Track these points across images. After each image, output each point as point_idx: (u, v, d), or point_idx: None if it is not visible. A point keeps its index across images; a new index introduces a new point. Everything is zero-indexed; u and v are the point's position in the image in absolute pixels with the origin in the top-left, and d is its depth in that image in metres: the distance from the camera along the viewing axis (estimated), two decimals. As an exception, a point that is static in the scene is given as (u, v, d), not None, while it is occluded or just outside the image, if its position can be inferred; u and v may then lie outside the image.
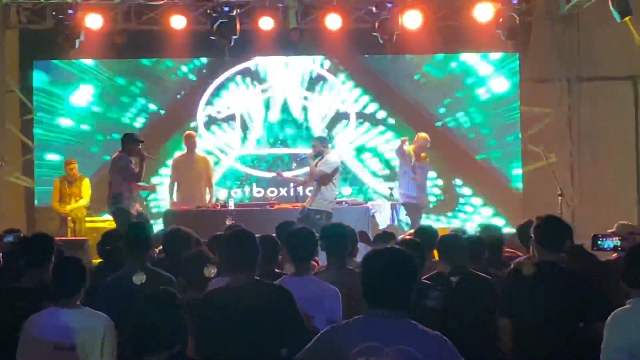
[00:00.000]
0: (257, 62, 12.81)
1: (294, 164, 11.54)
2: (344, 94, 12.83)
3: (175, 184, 11.00)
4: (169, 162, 11.51)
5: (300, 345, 3.38)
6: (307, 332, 3.98)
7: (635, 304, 3.85)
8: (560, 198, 10.48)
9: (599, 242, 5.06)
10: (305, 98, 12.82)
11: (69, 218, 11.17)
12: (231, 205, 10.72)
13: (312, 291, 4.59)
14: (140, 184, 10.01)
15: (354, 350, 3.12)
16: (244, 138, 12.78)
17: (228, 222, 8.34)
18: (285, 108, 12.84)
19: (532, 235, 4.74)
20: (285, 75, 12.83)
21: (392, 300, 3.17)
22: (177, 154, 11.49)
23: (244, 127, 12.80)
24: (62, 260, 4.60)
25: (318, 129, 12.59)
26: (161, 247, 5.93)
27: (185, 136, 11.22)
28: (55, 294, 4.41)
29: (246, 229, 4.62)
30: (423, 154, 10.90)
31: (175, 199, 10.95)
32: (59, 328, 4.24)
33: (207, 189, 11.03)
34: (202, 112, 12.77)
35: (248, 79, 12.82)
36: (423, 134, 11.02)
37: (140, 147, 9.66)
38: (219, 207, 10.58)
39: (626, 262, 4.03)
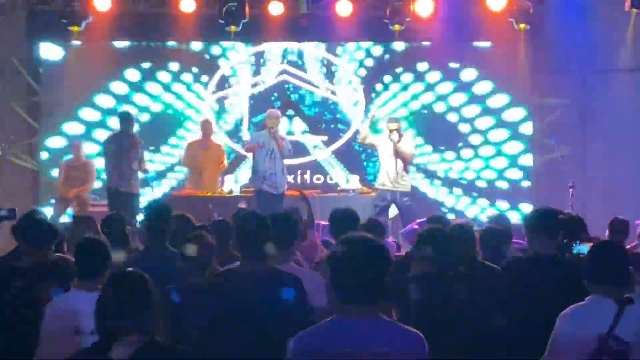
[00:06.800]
0: (268, 48, 12.68)
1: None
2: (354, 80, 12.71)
3: (187, 169, 11.05)
4: (184, 145, 11.49)
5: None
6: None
7: (591, 301, 3.85)
8: (571, 190, 10.31)
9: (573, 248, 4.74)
10: (318, 87, 12.70)
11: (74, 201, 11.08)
12: (237, 192, 10.65)
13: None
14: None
15: (327, 358, 2.93)
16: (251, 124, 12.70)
17: (242, 206, 8.28)
18: (294, 94, 12.72)
19: (523, 226, 4.75)
20: (293, 61, 12.70)
21: (367, 296, 2.96)
22: (191, 138, 11.45)
23: (252, 114, 12.69)
24: (84, 241, 4.40)
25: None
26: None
27: (202, 122, 11.25)
28: (78, 276, 4.25)
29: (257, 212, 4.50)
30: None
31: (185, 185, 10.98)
32: (80, 312, 4.00)
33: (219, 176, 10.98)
34: (210, 98, 12.67)
35: (257, 64, 12.69)
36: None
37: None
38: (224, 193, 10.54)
39: (588, 260, 3.99)
